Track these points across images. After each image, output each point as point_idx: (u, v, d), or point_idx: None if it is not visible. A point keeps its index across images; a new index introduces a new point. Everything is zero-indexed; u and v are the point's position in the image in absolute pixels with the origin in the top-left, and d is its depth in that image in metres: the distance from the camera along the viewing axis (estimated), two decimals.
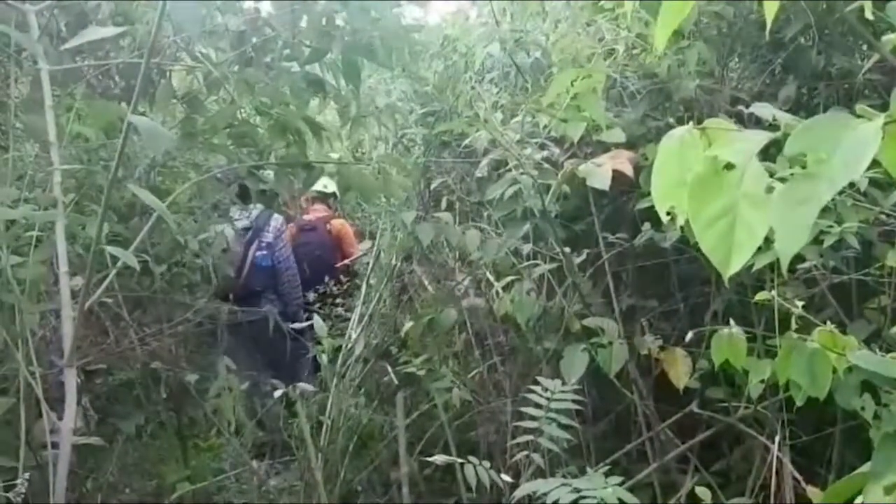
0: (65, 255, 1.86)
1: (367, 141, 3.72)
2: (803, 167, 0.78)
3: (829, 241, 1.85)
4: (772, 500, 2.06)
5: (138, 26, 2.47)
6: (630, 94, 2.69)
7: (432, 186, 3.37)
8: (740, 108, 2.00)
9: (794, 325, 1.65)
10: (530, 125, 2.64)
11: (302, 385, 2.82)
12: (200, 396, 3.07)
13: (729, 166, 0.83)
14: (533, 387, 2.11)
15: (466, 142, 2.66)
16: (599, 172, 2.20)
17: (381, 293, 3.45)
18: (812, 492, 1.99)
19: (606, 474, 1.79)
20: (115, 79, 2.79)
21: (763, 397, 2.20)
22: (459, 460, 1.99)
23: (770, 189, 0.80)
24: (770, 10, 0.92)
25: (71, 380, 1.83)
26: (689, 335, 2.12)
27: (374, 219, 4.50)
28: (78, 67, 2.49)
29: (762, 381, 1.90)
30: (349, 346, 3.26)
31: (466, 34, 3.36)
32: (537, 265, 2.64)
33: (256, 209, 4.29)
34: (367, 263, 3.77)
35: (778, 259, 1.02)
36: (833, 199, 1.73)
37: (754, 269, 1.83)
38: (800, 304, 1.72)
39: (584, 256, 2.63)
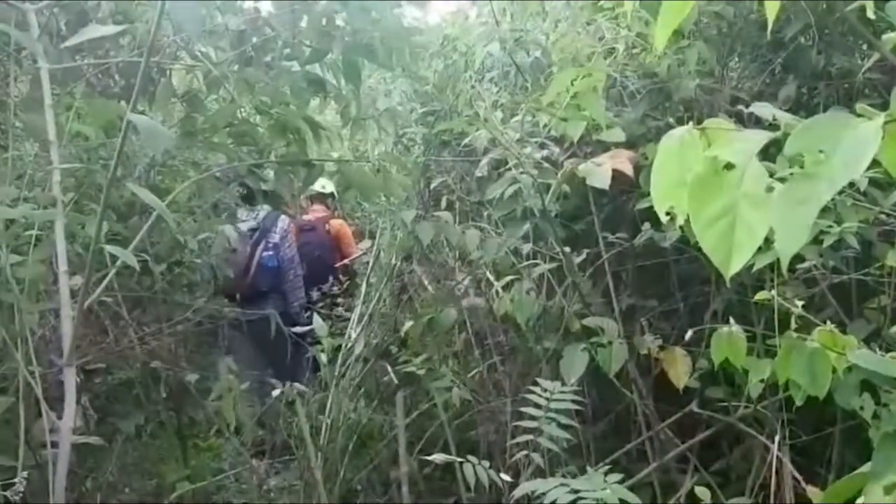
0: (64, 254, 1.86)
1: (368, 141, 3.72)
2: (803, 167, 0.78)
3: (828, 241, 1.85)
4: (771, 500, 2.06)
5: (138, 25, 2.47)
6: (630, 94, 2.69)
7: (432, 186, 3.37)
8: (740, 107, 2.00)
9: (793, 325, 1.65)
10: (530, 124, 2.64)
11: (298, 385, 2.83)
12: (201, 396, 3.07)
13: (729, 166, 0.83)
14: (532, 387, 2.11)
15: (466, 141, 2.66)
16: (599, 172, 2.20)
17: (380, 292, 3.45)
18: (812, 492, 1.99)
19: (606, 474, 1.79)
20: (115, 77, 2.80)
21: (763, 397, 2.19)
22: (459, 460, 1.99)
23: (770, 189, 0.80)
24: (771, 10, 0.92)
25: (70, 379, 1.82)
26: (689, 334, 2.12)
27: (373, 218, 4.50)
28: (78, 66, 2.49)
29: (762, 381, 1.90)
30: (349, 345, 3.26)
31: (466, 34, 3.37)
32: (537, 265, 2.64)
33: (263, 210, 4.39)
34: (367, 263, 3.77)
35: (778, 259, 1.02)
36: (833, 199, 1.73)
37: (754, 268, 1.83)
38: (800, 303, 1.72)
39: (583, 256, 2.63)
